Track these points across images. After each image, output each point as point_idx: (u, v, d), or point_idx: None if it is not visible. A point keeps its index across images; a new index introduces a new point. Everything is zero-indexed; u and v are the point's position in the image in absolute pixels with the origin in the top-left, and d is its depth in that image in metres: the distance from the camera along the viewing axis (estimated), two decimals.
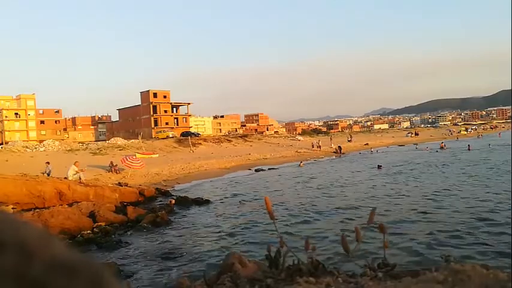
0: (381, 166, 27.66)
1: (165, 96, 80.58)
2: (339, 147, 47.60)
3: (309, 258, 1.48)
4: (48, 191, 14.81)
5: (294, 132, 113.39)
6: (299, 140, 64.85)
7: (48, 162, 22.19)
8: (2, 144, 52.11)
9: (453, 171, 23.63)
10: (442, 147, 44.23)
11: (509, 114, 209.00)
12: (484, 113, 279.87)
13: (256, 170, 30.26)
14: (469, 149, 39.90)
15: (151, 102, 77.66)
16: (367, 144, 55.85)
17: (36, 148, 38.82)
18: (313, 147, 49.63)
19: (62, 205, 13.69)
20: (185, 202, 16.14)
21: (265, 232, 10.76)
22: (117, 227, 12.39)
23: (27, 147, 39.18)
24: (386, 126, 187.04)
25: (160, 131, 69.81)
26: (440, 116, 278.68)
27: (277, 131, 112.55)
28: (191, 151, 44.51)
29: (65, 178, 17.68)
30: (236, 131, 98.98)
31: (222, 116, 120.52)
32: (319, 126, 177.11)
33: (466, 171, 23.13)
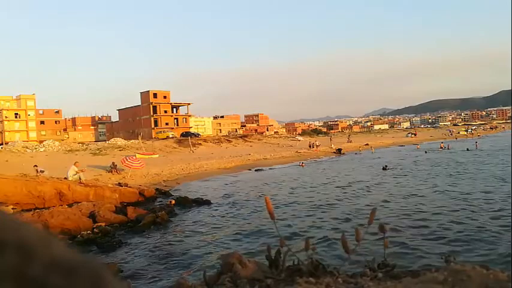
0: (386, 167, 27.50)
1: (165, 97, 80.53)
2: (339, 149, 47.57)
3: (309, 258, 1.48)
4: (48, 192, 14.82)
5: (294, 133, 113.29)
6: (299, 141, 64.79)
7: (36, 166, 21.91)
8: (2, 144, 52.10)
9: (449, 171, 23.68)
10: (441, 148, 44.28)
11: (509, 115, 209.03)
12: (484, 113, 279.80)
13: (256, 170, 30.27)
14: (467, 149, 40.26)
15: (151, 103, 77.61)
16: (367, 144, 55.89)
17: (36, 148, 38.82)
18: (311, 147, 49.30)
19: (62, 205, 13.70)
20: (185, 202, 16.14)
21: (265, 232, 10.76)
22: (117, 227, 12.40)
23: (27, 147, 39.16)
24: (386, 126, 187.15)
25: (160, 132, 69.75)
26: (440, 117, 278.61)
27: (277, 131, 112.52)
28: (191, 151, 44.50)
29: (65, 178, 17.68)
30: (236, 131, 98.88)
31: (222, 116, 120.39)
32: (319, 126, 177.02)
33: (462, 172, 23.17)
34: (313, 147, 49.22)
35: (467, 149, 40.67)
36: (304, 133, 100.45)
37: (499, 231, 9.88)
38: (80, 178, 18.17)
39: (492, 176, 20.46)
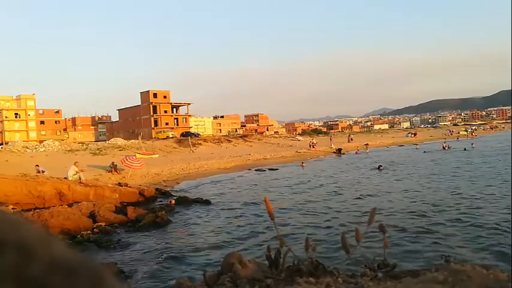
0: (381, 167, 27.60)
1: (165, 97, 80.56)
2: (339, 149, 47.68)
3: (309, 258, 1.48)
4: (48, 191, 14.81)
5: (294, 133, 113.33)
6: (299, 140, 64.82)
7: (37, 165, 22.12)
8: (2, 144, 52.10)
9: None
10: (443, 148, 44.16)
11: (509, 115, 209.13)
12: (484, 113, 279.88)
13: (257, 171, 30.25)
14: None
15: (151, 103, 77.65)
16: (367, 144, 55.96)
17: (36, 148, 38.80)
18: (310, 147, 49.61)
19: (62, 205, 13.69)
20: (185, 202, 16.14)
21: (265, 232, 10.76)
22: (117, 227, 12.39)
23: (27, 147, 39.15)
24: (386, 126, 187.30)
25: (160, 131, 69.79)
26: (440, 116, 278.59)
27: (277, 131, 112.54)
28: (191, 151, 44.49)
29: (65, 178, 17.67)
30: (236, 131, 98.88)
31: (222, 116, 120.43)
32: (319, 126, 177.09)
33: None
34: (313, 147, 49.47)
35: (465, 149, 40.82)
36: (304, 133, 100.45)
37: (499, 229, 9.89)
38: (80, 178, 18.17)
39: (491, 175, 20.47)
